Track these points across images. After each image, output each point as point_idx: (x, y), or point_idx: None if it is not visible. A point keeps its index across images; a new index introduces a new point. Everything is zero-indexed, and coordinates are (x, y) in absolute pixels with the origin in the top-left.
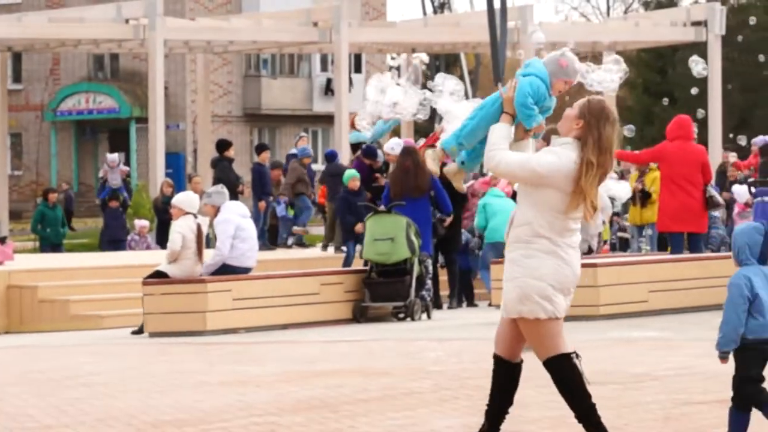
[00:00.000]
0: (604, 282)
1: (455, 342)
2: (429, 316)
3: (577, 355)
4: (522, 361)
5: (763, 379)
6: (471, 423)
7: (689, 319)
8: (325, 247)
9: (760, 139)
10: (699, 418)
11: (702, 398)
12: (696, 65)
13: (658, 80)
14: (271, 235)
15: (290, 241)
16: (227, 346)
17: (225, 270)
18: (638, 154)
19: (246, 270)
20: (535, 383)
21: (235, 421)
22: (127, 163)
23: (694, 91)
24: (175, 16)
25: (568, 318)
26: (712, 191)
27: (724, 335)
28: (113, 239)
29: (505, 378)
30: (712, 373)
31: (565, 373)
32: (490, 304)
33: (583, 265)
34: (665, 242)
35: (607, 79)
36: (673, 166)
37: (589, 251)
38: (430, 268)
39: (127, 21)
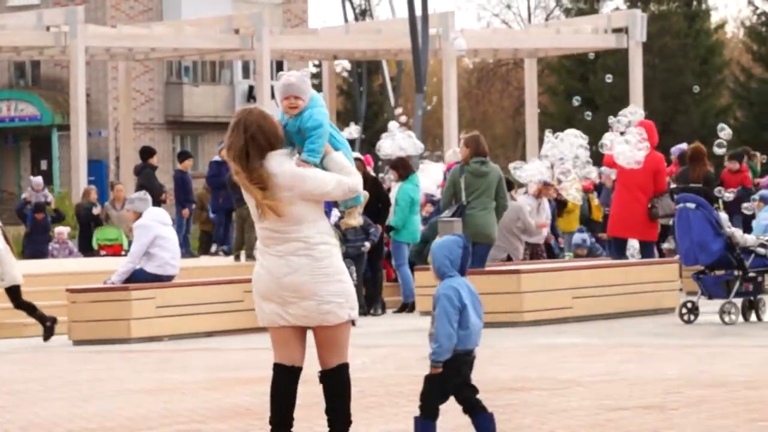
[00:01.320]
0: (528, 288)
1: (381, 349)
2: (354, 323)
3: (281, 367)
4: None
5: (458, 389)
6: (396, 430)
7: (613, 325)
8: (237, 258)
9: (676, 149)
10: (625, 424)
11: (627, 404)
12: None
13: (580, 87)
14: (204, 243)
15: (214, 248)
16: (152, 353)
17: (148, 278)
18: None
19: (169, 278)
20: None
21: (159, 429)
22: (50, 170)
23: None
24: (96, 24)
25: (494, 324)
26: (656, 202)
27: (440, 345)
28: (36, 253)
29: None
30: (638, 379)
31: (273, 383)
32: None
33: (507, 272)
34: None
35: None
36: (627, 172)
37: (508, 259)
38: (354, 275)
39: (48, 28)
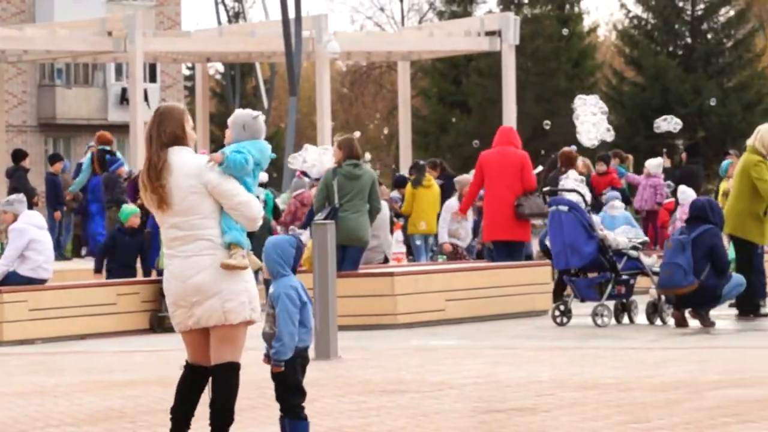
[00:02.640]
0: (401, 291)
1: (251, 352)
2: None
3: (191, 366)
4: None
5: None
6: None
7: (486, 327)
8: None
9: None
10: (498, 426)
11: (500, 406)
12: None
13: (453, 90)
14: (76, 246)
15: (84, 251)
16: (24, 356)
17: (20, 281)
18: (471, 185)
19: (42, 281)
20: (335, 392)
21: None
22: None
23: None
24: None
25: (368, 326)
26: (523, 200)
27: (284, 344)
28: None
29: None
30: (511, 381)
31: (180, 378)
32: None
33: (381, 275)
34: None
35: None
36: (493, 172)
37: (385, 261)
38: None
39: None
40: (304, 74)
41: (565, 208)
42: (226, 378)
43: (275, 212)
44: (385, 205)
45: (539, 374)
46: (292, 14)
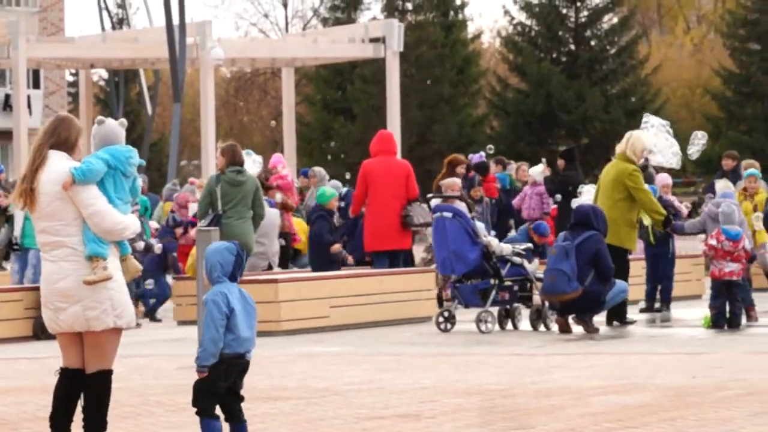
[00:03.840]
0: (285, 298)
1: (137, 359)
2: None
3: (65, 371)
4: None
5: (224, 390)
6: None
7: (369, 334)
8: None
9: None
10: None
11: (384, 413)
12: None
13: (337, 96)
14: None
15: None
16: None
17: None
18: (355, 194)
19: None
20: None
21: None
22: None
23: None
24: None
25: None
26: (410, 210)
27: (205, 350)
28: None
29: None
30: (394, 388)
31: (56, 384)
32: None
33: (264, 281)
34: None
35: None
36: (377, 181)
37: (269, 267)
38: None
39: None
40: (188, 81)
41: (449, 215)
42: (96, 385)
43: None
44: (274, 212)
45: (423, 380)
46: (176, 21)
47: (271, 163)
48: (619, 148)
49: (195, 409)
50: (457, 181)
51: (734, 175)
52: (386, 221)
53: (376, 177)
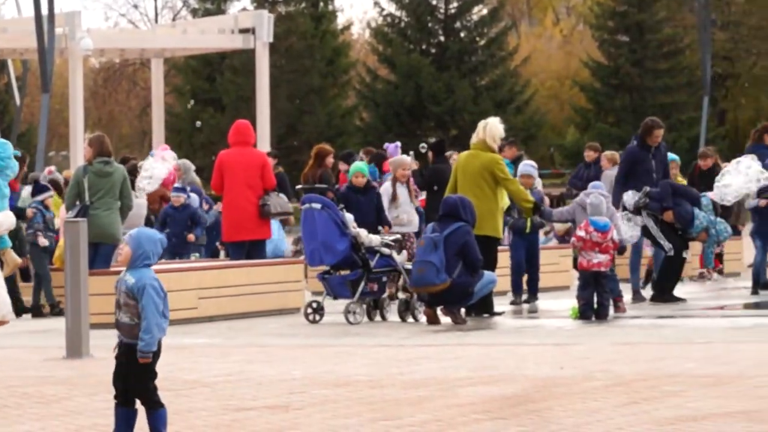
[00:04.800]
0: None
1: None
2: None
3: None
4: None
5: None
6: (20, 431)
7: (238, 325)
8: None
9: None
10: (249, 424)
11: (253, 404)
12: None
13: (206, 87)
14: None
15: None
16: None
17: None
18: (212, 185)
19: None
20: (87, 391)
21: None
22: None
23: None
24: None
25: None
26: (267, 200)
27: (153, 336)
28: None
29: None
30: (263, 379)
31: None
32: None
33: None
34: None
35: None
36: (233, 172)
37: None
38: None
39: None
40: (56, 71)
41: (318, 206)
42: None
43: None
44: (141, 203)
45: (292, 372)
46: (45, 11)
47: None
48: (475, 137)
49: (148, 402)
50: (407, 159)
51: (596, 167)
52: (243, 211)
53: (231, 167)
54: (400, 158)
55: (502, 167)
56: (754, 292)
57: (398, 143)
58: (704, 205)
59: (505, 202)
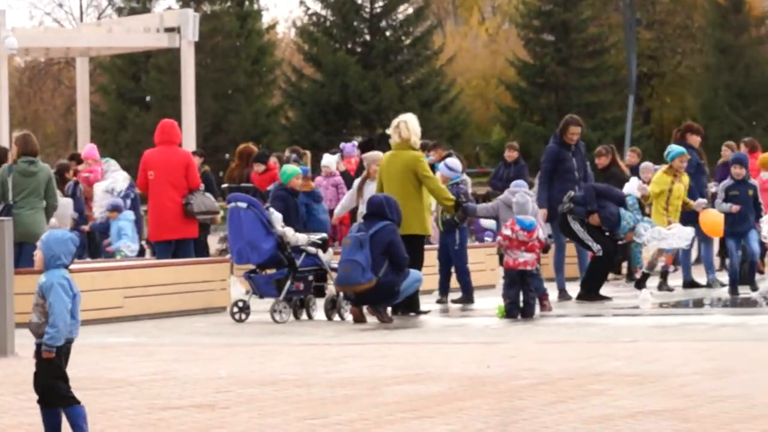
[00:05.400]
0: (79, 288)
1: None
2: None
3: None
4: None
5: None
6: None
7: (163, 324)
8: None
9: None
10: (176, 423)
11: (179, 403)
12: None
13: (132, 86)
14: None
15: None
16: None
17: None
18: (138, 185)
19: None
20: (12, 389)
21: None
22: None
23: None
24: None
25: None
26: (191, 198)
27: (59, 330)
28: None
29: None
30: (189, 378)
31: None
32: None
33: None
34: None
35: None
36: (157, 171)
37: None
38: None
39: None
40: None
41: (243, 205)
42: None
43: None
44: (67, 202)
45: (218, 371)
46: None
47: (85, 155)
48: (396, 137)
49: (56, 400)
50: (379, 155)
51: (516, 167)
52: (168, 211)
53: (155, 167)
54: (373, 154)
55: (424, 165)
56: (734, 291)
57: (355, 142)
58: (630, 205)
59: (430, 199)
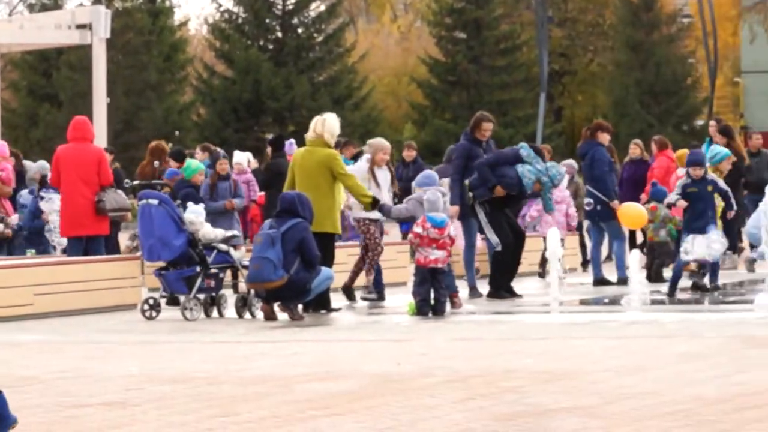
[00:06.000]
0: None
1: None
2: None
3: None
4: None
5: None
6: None
7: (75, 322)
8: None
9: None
10: (86, 421)
11: (89, 401)
12: None
13: (43, 83)
14: None
15: None
16: None
17: None
18: (50, 180)
19: None
20: None
21: None
22: None
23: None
24: None
25: None
26: (102, 196)
27: None
28: None
29: None
30: (99, 376)
31: None
32: None
33: None
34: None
35: None
36: (69, 168)
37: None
38: None
39: None
40: None
41: (155, 202)
42: None
43: None
44: None
45: (128, 368)
46: None
47: None
48: (312, 133)
49: None
50: (386, 142)
51: (415, 166)
52: (79, 207)
53: (67, 163)
54: (379, 141)
55: (340, 163)
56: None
57: (292, 140)
58: (525, 156)
59: (342, 197)
